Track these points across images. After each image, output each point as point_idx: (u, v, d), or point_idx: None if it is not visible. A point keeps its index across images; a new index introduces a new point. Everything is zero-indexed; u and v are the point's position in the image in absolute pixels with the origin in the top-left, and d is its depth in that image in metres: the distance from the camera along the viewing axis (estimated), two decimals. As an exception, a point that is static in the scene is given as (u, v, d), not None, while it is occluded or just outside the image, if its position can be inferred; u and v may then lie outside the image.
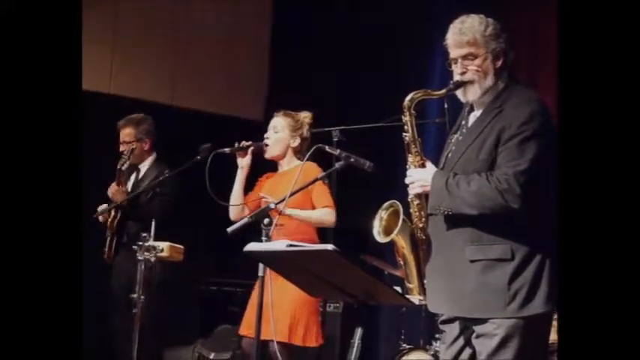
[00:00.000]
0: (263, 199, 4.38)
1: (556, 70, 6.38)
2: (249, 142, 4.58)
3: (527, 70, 6.60)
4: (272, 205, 3.76)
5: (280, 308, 4.22)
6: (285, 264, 3.49)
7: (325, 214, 4.48)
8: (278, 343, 4.18)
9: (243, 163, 4.59)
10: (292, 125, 4.60)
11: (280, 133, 4.61)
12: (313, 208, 4.53)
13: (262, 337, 3.76)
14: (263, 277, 3.67)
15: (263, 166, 4.74)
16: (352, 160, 3.96)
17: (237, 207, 4.59)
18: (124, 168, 5.30)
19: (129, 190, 5.44)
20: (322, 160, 4.30)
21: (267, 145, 4.61)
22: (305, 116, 4.66)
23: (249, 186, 4.67)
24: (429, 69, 6.59)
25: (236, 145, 4.57)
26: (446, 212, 3.17)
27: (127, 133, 5.60)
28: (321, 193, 4.51)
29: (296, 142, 4.60)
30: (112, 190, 5.33)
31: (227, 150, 4.53)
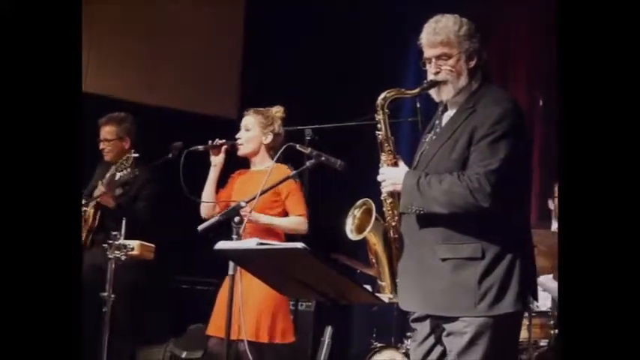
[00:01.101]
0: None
1: (526, 68, 6.42)
2: (223, 140, 4.57)
3: (498, 70, 6.66)
4: (242, 204, 3.75)
5: (247, 307, 4.20)
6: (256, 262, 3.48)
7: (299, 223, 4.49)
8: (247, 342, 4.16)
9: (216, 161, 4.58)
10: (263, 122, 4.59)
11: (252, 131, 4.60)
12: (285, 211, 4.53)
13: (230, 337, 3.75)
14: (233, 275, 3.65)
15: (236, 164, 4.73)
16: (323, 158, 3.96)
17: (209, 205, 4.57)
18: (117, 178, 5.20)
19: (105, 184, 5.37)
20: (294, 159, 4.29)
21: (240, 144, 4.59)
22: (277, 111, 4.65)
23: (221, 184, 4.66)
24: (405, 68, 6.60)
25: (210, 142, 4.55)
26: (417, 211, 3.18)
27: (107, 131, 5.57)
28: (297, 201, 4.52)
29: (268, 139, 4.59)
30: (102, 196, 5.23)
31: (200, 148, 4.52)
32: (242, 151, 4.61)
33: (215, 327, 4.45)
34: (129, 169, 5.03)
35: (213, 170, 4.59)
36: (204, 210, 4.57)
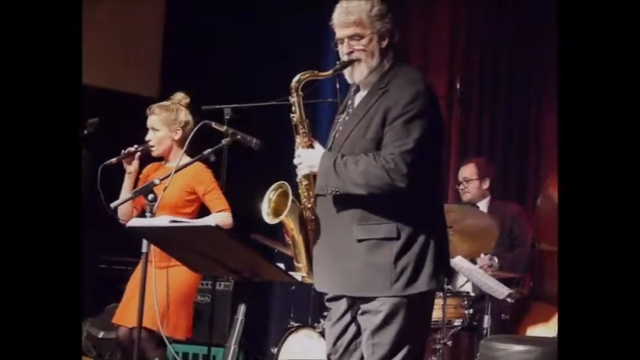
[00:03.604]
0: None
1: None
2: (135, 147, 4.49)
3: (420, 53, 6.72)
4: (156, 181, 3.73)
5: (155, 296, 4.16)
6: (168, 240, 3.48)
7: (225, 217, 4.38)
8: (146, 329, 4.12)
9: (131, 169, 4.48)
10: (168, 119, 4.51)
11: (160, 131, 4.51)
12: (198, 209, 4.49)
13: (133, 325, 3.73)
14: (147, 253, 3.63)
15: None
16: (239, 136, 3.96)
17: (127, 211, 4.43)
18: None
19: None
20: (211, 138, 4.26)
21: (152, 146, 4.53)
22: (180, 99, 4.58)
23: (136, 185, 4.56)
24: (326, 48, 6.60)
25: (122, 153, 4.43)
26: (334, 192, 3.19)
27: None
28: (217, 196, 4.45)
29: (178, 135, 4.52)
30: None
31: (114, 160, 4.36)
32: (155, 152, 4.53)
33: (120, 316, 4.42)
34: None
35: (127, 178, 4.48)
36: (122, 214, 4.41)
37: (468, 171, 5.71)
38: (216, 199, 4.43)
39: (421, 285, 3.16)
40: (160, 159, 4.61)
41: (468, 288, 5.38)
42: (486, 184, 5.69)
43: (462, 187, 5.70)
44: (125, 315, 4.33)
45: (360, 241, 3.18)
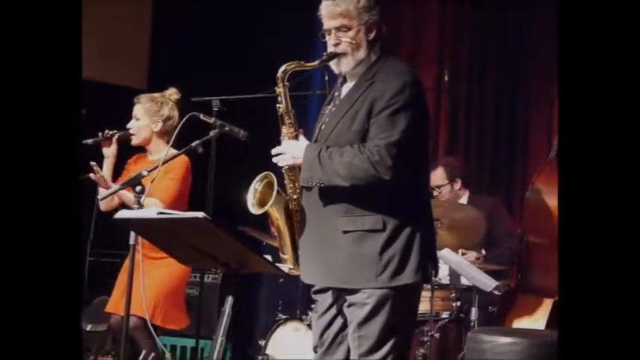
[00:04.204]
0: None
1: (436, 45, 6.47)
2: (114, 131, 4.48)
3: (409, 45, 6.72)
4: (144, 173, 3.72)
5: (146, 287, 4.16)
6: (156, 232, 3.47)
7: (153, 203, 4.20)
8: (138, 318, 4.15)
9: (109, 152, 4.48)
10: (151, 110, 4.51)
11: (141, 120, 4.52)
12: (186, 198, 4.49)
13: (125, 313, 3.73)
14: (134, 245, 3.63)
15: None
16: (227, 128, 3.96)
17: (107, 198, 4.37)
18: None
19: None
20: (199, 130, 4.25)
21: (132, 134, 4.53)
22: (170, 94, 4.59)
23: (117, 174, 4.57)
24: (313, 39, 6.57)
25: (100, 135, 4.45)
26: (318, 184, 3.19)
27: None
28: (164, 185, 4.34)
29: (158, 127, 4.52)
30: None
31: (90, 141, 4.38)
32: (134, 140, 4.54)
33: (113, 305, 4.42)
34: None
35: (106, 162, 4.47)
36: (103, 204, 4.42)
37: (438, 177, 5.59)
38: (162, 186, 4.31)
39: (407, 277, 3.17)
40: (141, 149, 4.61)
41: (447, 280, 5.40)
42: (458, 185, 5.62)
43: (435, 193, 5.57)
44: (118, 303, 4.32)
45: (345, 232, 3.19)
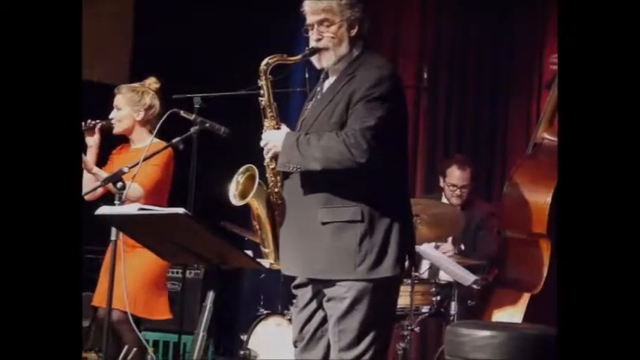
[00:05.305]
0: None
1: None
2: (96, 121, 4.49)
3: (390, 43, 6.75)
4: (125, 170, 3.73)
5: (127, 279, 4.16)
6: (137, 228, 3.49)
7: (134, 189, 4.13)
8: (121, 312, 4.15)
9: (92, 142, 4.46)
10: (132, 100, 4.50)
11: (122, 110, 4.51)
12: (167, 194, 4.49)
13: (112, 306, 3.74)
14: (116, 241, 3.64)
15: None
16: (207, 125, 3.97)
17: (90, 192, 4.32)
18: None
19: None
20: (181, 126, 4.27)
21: (113, 124, 4.53)
22: (150, 83, 4.58)
23: (101, 164, 4.54)
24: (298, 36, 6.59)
25: (83, 124, 4.44)
26: (294, 169, 3.21)
27: None
28: (145, 171, 4.24)
29: (140, 116, 4.51)
30: None
31: None
32: (116, 129, 4.53)
33: (99, 298, 4.42)
34: None
35: (89, 152, 4.46)
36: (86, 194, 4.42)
37: (467, 178, 5.53)
38: (143, 172, 4.16)
39: (385, 270, 3.20)
40: (124, 138, 4.62)
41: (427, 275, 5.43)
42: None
43: (457, 191, 5.51)
44: (104, 296, 4.30)
45: (324, 223, 3.21)
